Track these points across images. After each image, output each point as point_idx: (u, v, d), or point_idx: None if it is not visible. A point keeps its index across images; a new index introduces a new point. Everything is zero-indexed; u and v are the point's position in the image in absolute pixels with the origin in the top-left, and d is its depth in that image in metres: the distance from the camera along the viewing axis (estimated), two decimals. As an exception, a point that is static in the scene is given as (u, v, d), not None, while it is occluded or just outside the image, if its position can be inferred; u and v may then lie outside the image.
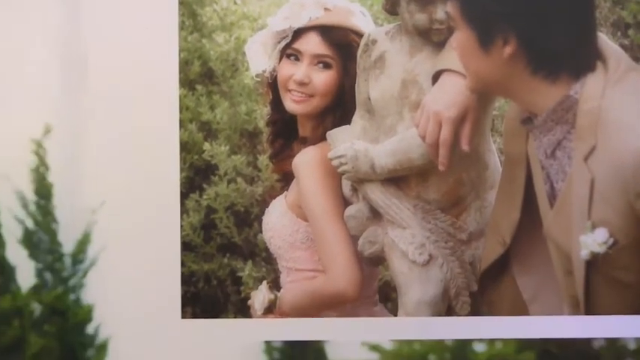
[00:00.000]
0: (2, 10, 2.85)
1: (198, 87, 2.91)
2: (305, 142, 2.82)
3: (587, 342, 2.86)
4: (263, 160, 2.90)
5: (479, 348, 2.91)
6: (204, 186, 2.90)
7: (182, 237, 2.85)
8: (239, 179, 2.90)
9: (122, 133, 2.88)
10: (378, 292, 2.86)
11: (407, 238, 2.77)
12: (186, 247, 2.88)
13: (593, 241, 2.58)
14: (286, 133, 2.86)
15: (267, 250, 2.86)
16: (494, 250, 2.75)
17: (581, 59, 2.63)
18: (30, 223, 3.01)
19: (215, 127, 2.93)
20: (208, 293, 2.91)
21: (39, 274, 3.15)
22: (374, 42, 2.78)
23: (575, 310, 2.68)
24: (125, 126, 2.87)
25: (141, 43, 2.91)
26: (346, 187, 2.79)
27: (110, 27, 2.89)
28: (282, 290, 2.81)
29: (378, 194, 2.77)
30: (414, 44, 2.75)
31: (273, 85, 2.83)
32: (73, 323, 3.12)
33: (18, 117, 2.93)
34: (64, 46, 2.88)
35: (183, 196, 2.88)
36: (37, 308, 3.05)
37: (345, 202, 2.80)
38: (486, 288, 2.80)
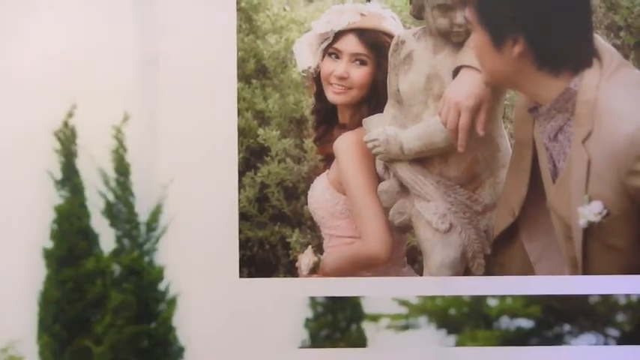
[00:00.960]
0: (88, 16, 2.92)
1: (254, 81, 2.93)
2: (344, 128, 2.86)
3: (584, 298, 2.86)
4: (308, 143, 2.92)
5: (492, 303, 2.91)
6: (259, 165, 2.92)
7: (240, 208, 2.89)
8: (288, 159, 2.92)
9: (189, 120, 2.89)
10: (406, 255, 2.89)
11: (431, 210, 2.81)
12: (243, 216, 2.90)
13: (590, 212, 2.63)
14: (328, 120, 2.89)
15: (311, 219, 2.90)
16: (505, 220, 2.79)
17: (579, 57, 2.67)
18: (111, 197, 3.02)
19: (267, 115, 2.94)
20: (262, 256, 2.93)
21: (118, 240, 3.15)
22: (403, 42, 2.81)
23: (574, 271, 2.73)
24: (191, 114, 2.89)
25: (205, 43, 2.93)
26: (379, 166, 2.82)
27: (179, 31, 2.91)
28: (324, 254, 2.85)
29: (406, 172, 2.80)
30: (437, 44, 2.78)
31: (317, 79, 2.86)
32: (147, 282, 3.12)
33: (100, 107, 2.96)
34: (140, 48, 2.92)
35: (241, 173, 2.90)
36: (116, 269, 3.06)
37: (378, 179, 2.83)
38: (498, 252, 2.83)
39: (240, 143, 2.88)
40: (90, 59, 2.93)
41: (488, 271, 2.85)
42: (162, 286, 2.98)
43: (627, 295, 2.91)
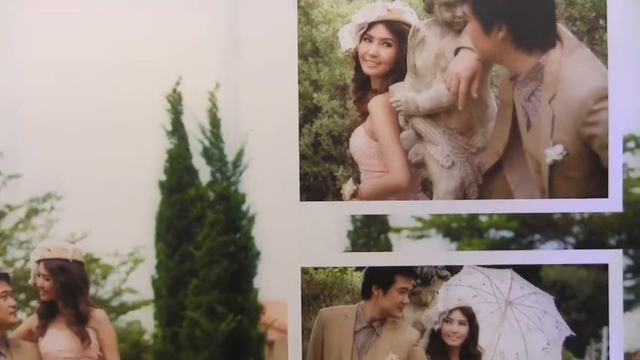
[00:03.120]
0: (189, 11, 2.97)
1: (310, 58, 2.95)
2: (376, 92, 2.89)
3: (549, 215, 2.92)
4: (350, 103, 2.95)
5: (483, 219, 2.96)
6: (313, 120, 2.95)
7: (300, 151, 2.93)
8: (335, 115, 2.95)
9: (263, 87, 2.93)
10: (420, 184, 2.92)
11: (438, 151, 2.86)
12: (302, 157, 2.94)
13: (554, 152, 2.71)
14: (364, 86, 2.92)
15: (352, 159, 2.93)
16: (493, 159, 2.84)
17: (546, 40, 2.73)
18: (207, 143, 3.02)
19: (320, 83, 2.96)
20: (316, 185, 2.96)
21: (212, 174, 3.14)
22: (418, 30, 2.85)
23: (542, 195, 2.81)
24: (264, 83, 2.91)
25: (274, 31, 2.93)
26: (401, 119, 2.87)
27: (255, 22, 2.96)
28: (361, 183, 2.91)
29: (420, 124, 2.86)
30: (443, 31, 2.83)
31: (355, 57, 2.89)
32: (233, 204, 3.11)
33: (199, 78, 3.01)
34: (228, 34, 2.95)
35: (301, 125, 2.94)
36: (211, 195, 3.06)
37: (400, 129, 2.88)
38: (487, 182, 2.88)
39: (300, 104, 2.93)
40: (190, 42, 2.96)
41: (480, 196, 2.89)
42: (244, 208, 2.97)
43: (581, 214, 2.93)
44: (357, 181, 2.94)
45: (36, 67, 2.98)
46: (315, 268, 2.97)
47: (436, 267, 2.94)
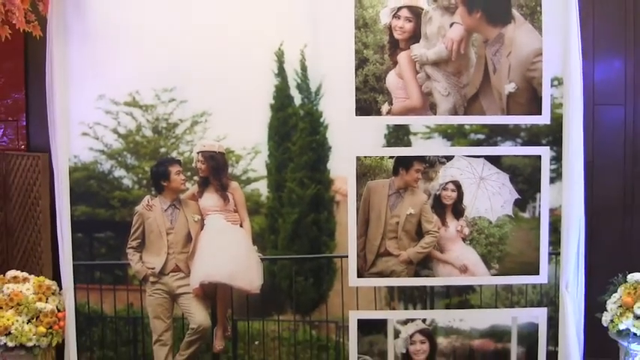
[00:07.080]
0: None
1: (362, 29, 3.09)
2: (402, 50, 3.02)
3: (507, 125, 2.94)
4: (386, 56, 3.08)
5: (467, 127, 2.98)
6: (363, 66, 3.10)
7: (355, 85, 3.07)
8: (377, 63, 3.08)
9: (333, 47, 2.96)
10: (429, 106, 3.08)
11: (440, 86, 3.03)
12: (357, 89, 3.10)
13: (509, 87, 2.93)
14: (395, 46, 3.03)
15: (387, 89, 3.06)
16: (472, 91, 3.01)
17: (505, 18, 2.89)
18: (299, 80, 3.16)
19: (368, 44, 3.10)
20: (364, 106, 3.10)
21: (302, 99, 3.28)
22: (427, 12, 2.99)
23: (502, 113, 2.99)
24: (335, 44, 2.99)
25: (340, 12, 3.04)
26: (418, 66, 3.01)
27: (329, 6, 2.89)
28: (393, 105, 3.05)
29: (429, 69, 3.03)
30: (443, 12, 2.98)
31: (389, 28, 3.02)
32: (315, 118, 3.26)
33: (295, 41, 2.85)
34: (311, 13, 2.98)
35: (356, 70, 3.07)
36: (301, 112, 3.21)
37: (417, 72, 3.03)
38: (470, 104, 3.04)
39: (355, 56, 3.06)
40: (289, 18, 3.05)
41: (465, 113, 3.06)
42: (321, 120, 3.12)
43: (525, 124, 2.91)
44: (390, 103, 3.07)
45: (195, 33, 3.05)
46: (365, 157, 3.14)
47: (438, 156, 3.12)
